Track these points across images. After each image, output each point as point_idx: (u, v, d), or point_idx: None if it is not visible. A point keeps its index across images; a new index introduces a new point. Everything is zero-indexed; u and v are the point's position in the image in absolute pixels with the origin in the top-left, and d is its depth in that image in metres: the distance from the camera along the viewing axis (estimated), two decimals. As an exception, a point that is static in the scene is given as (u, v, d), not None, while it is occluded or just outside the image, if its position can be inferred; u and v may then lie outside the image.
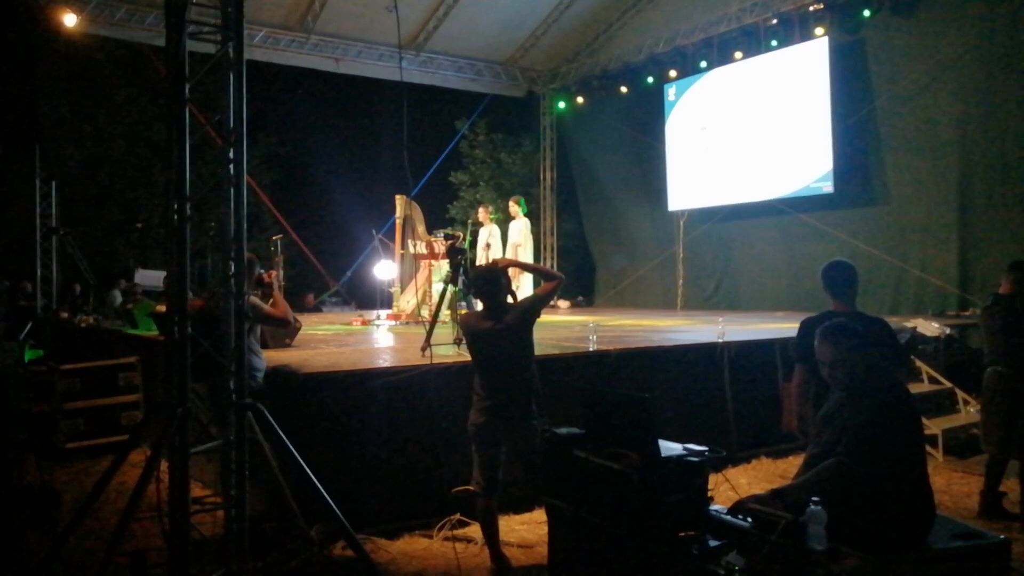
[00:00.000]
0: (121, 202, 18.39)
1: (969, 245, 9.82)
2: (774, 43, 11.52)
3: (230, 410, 3.37)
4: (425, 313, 9.52)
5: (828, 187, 10.93)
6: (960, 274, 9.90)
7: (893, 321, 9.07)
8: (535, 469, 3.87)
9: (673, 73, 12.99)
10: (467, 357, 4.68)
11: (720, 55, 12.26)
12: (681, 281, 13.38)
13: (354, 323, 9.41)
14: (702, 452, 2.77)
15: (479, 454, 4.00)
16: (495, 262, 4.15)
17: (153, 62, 14.33)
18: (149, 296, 10.06)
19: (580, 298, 15.15)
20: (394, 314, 9.68)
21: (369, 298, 15.33)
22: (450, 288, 6.19)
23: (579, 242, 16.29)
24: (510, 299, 4.13)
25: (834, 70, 10.77)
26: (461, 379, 4.81)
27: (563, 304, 13.71)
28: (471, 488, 4.19)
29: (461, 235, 6.67)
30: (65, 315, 9.52)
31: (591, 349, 5.52)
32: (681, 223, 13.33)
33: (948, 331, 7.92)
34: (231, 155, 3.43)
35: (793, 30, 11.26)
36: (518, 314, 3.96)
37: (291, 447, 3.45)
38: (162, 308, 6.89)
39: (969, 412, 7.12)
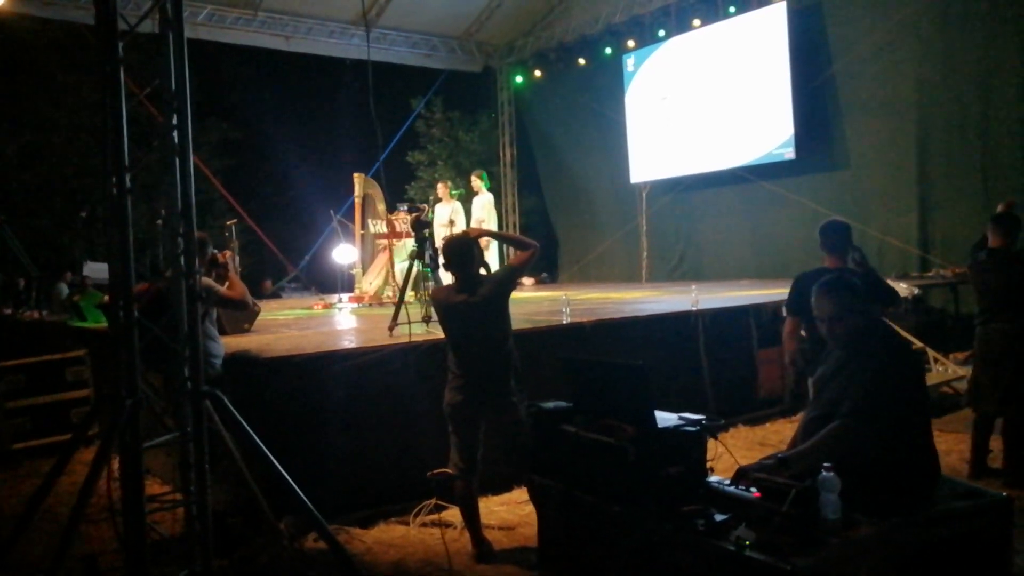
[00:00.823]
0: (65, 192, 17.63)
1: (929, 206, 9.86)
2: (732, 9, 11.39)
3: (186, 399, 3.11)
4: (389, 294, 9.27)
5: (790, 153, 10.88)
6: (920, 235, 9.94)
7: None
8: (516, 448, 3.69)
9: (631, 43, 12.80)
10: (437, 335, 4.48)
11: (678, 23, 12.10)
12: (645, 253, 13.29)
13: (315, 307, 9.11)
14: (699, 421, 2.60)
15: (457, 435, 3.79)
16: (466, 232, 3.92)
17: (90, 41, 13.69)
18: (100, 289, 9.61)
19: (544, 275, 14.98)
20: (357, 296, 9.39)
21: (329, 282, 14.95)
22: (416, 264, 5.94)
23: (540, 219, 16.08)
24: (482, 271, 3.91)
25: (793, 35, 10.68)
26: (432, 358, 4.60)
27: (528, 281, 13.51)
28: (449, 471, 4.00)
29: (426, 207, 6.39)
30: (8, 311, 9.03)
31: (565, 322, 5.34)
32: (644, 195, 13.21)
33: (916, 291, 7.92)
34: (174, 122, 3.14)
35: (751, -4, 11.14)
36: (493, 286, 3.75)
37: (254, 436, 3.20)
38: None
39: (940, 371, 7.12)
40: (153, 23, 3.20)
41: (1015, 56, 8.90)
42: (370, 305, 9.13)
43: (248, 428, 3.19)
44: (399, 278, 9.22)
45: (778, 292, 7.96)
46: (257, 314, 6.02)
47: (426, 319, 5.19)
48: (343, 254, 10.44)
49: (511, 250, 8.49)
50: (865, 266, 4.09)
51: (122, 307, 2.90)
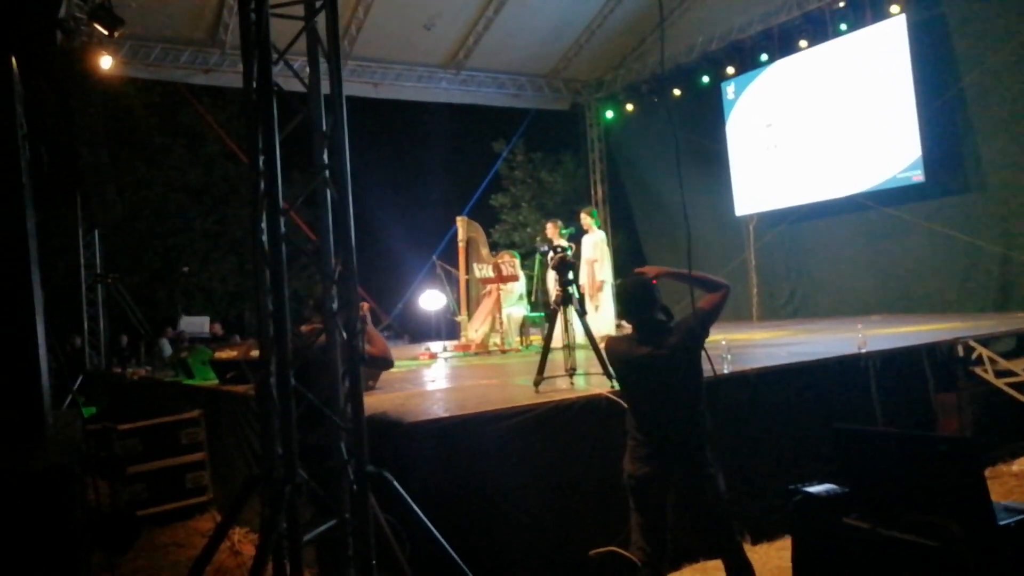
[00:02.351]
0: (160, 250, 18.07)
1: (1088, 225, 8.89)
2: (843, 27, 10.73)
3: (346, 483, 2.63)
4: (497, 341, 8.80)
5: (918, 176, 10.04)
6: (1078, 259, 8.95)
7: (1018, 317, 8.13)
8: (713, 527, 3.09)
9: (731, 70, 12.23)
10: (588, 391, 3.96)
11: (782, 46, 11.48)
12: (755, 290, 12.50)
13: (421, 357, 8.69)
14: (1019, 508, 1.96)
15: (641, 513, 3.18)
16: (643, 271, 3.39)
17: (190, 101, 13.97)
18: (197, 343, 9.45)
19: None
20: (463, 345, 8.94)
21: (422, 329, 14.65)
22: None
23: (635, 258, 15.45)
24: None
25: (915, 49, 9.93)
26: (588, 416, 4.06)
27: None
28: (620, 551, 3.42)
29: (573, 246, 5.86)
30: (118, 369, 8.93)
31: (726, 371, 4.72)
32: (751, 228, 12.48)
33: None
34: (325, 159, 2.73)
35: (864, 11, 10.46)
36: (683, 335, 3.18)
37: (431, 526, 2.68)
38: (222, 354, 6.22)
39: None
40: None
41: None
42: (477, 354, 8.67)
43: (421, 514, 2.68)
44: (507, 324, 8.76)
45: (944, 328, 7.01)
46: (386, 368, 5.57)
47: (569, 371, 4.65)
48: (431, 300, 10.01)
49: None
50: None
51: (277, 373, 2.45)
